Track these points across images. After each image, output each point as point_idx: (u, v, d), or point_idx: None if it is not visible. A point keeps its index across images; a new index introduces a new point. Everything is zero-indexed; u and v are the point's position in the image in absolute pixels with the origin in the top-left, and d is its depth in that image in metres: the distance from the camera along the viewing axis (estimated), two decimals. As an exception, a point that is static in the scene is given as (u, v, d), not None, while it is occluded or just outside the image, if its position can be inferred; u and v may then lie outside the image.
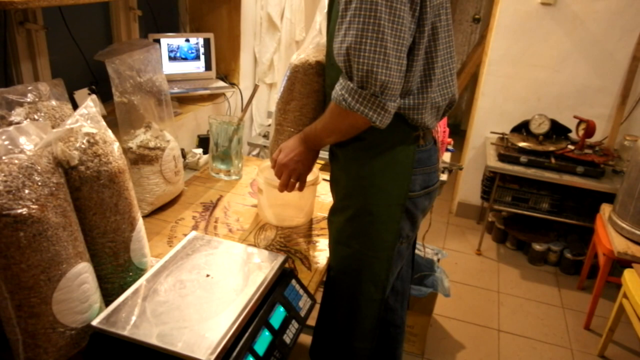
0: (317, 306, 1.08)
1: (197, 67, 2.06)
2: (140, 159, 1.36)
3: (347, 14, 0.96)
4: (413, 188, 1.18)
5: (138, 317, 0.85)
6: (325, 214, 1.49)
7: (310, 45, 1.31)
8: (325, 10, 1.19)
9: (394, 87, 0.99)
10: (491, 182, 2.83)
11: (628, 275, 2.07)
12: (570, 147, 2.73)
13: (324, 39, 1.28)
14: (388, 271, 1.24)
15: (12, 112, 0.91)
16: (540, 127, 2.78)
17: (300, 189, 1.26)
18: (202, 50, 2.04)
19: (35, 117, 0.92)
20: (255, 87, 1.67)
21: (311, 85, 1.25)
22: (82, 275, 0.85)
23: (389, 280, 1.26)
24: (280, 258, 1.06)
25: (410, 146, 1.16)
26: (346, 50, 0.96)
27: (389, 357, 1.59)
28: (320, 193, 1.63)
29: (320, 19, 1.29)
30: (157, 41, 1.87)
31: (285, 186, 1.22)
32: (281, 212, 1.42)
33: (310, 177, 1.32)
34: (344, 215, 1.22)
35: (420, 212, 1.25)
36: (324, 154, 1.38)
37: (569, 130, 2.82)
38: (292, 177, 1.22)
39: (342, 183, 1.23)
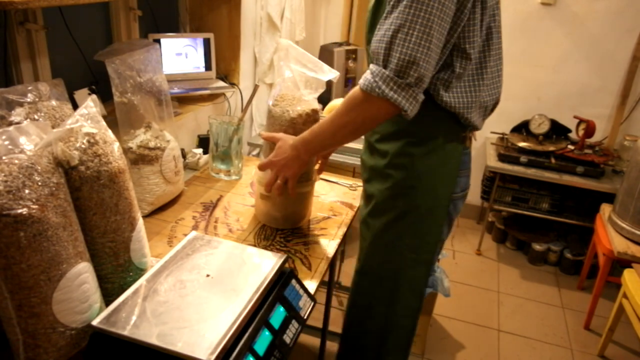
0: (319, 307, 1.07)
1: (197, 67, 2.06)
2: (140, 159, 1.36)
3: (400, 5, 0.96)
4: (455, 189, 1.18)
5: (138, 317, 0.85)
6: (326, 214, 1.49)
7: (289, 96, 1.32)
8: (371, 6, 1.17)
9: (426, 81, 1.00)
10: (491, 182, 2.83)
11: (628, 275, 2.07)
12: (570, 147, 2.73)
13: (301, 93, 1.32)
14: (427, 277, 1.23)
15: (12, 112, 0.91)
16: (540, 127, 2.78)
17: (291, 193, 1.25)
18: (202, 50, 2.04)
19: (35, 117, 0.92)
20: (255, 87, 1.67)
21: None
22: (82, 275, 0.85)
23: (426, 286, 1.24)
24: (280, 258, 1.06)
25: (459, 146, 1.16)
26: (390, 38, 0.97)
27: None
28: (320, 193, 1.63)
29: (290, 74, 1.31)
30: (157, 41, 1.87)
31: (270, 185, 1.22)
32: (271, 211, 1.38)
33: (305, 188, 1.33)
34: (387, 217, 1.19)
35: (456, 214, 1.25)
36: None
37: (569, 130, 2.82)
38: (279, 178, 1.21)
39: (387, 183, 1.20)
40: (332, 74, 1.29)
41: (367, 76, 1.01)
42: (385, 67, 0.99)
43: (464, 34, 1.06)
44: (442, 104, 1.10)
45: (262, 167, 1.25)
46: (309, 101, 1.31)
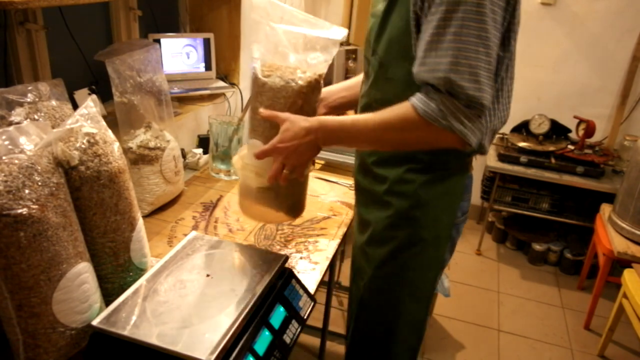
0: (319, 307, 1.07)
1: (197, 67, 2.06)
2: (140, 159, 1.36)
3: (452, 25, 0.86)
4: (457, 214, 1.12)
5: (138, 317, 0.85)
6: (326, 214, 1.49)
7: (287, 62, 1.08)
8: (379, 11, 1.03)
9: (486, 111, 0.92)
10: (491, 182, 2.83)
11: (628, 275, 2.07)
12: (570, 147, 2.73)
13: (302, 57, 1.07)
14: (427, 310, 1.18)
15: (12, 112, 0.91)
16: (540, 127, 2.78)
17: (300, 175, 1.06)
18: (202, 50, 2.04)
19: (35, 117, 0.92)
20: (255, 87, 1.67)
21: (311, 105, 1.10)
22: (82, 275, 0.85)
23: (426, 322, 1.20)
24: (280, 258, 1.06)
25: (465, 173, 1.10)
26: (454, 66, 0.85)
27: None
28: (320, 193, 1.63)
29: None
30: (157, 41, 1.87)
31: (276, 176, 1.02)
32: (273, 205, 1.17)
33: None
34: (388, 247, 1.12)
35: (459, 236, 1.18)
36: (324, 154, 1.35)
37: (569, 130, 2.82)
38: (286, 167, 1.01)
39: (387, 211, 1.11)
40: (338, 31, 1.06)
41: (430, 104, 0.89)
42: (453, 95, 0.87)
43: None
44: None
45: (263, 155, 1.02)
46: (315, 65, 1.07)
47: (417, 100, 0.91)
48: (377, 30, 1.02)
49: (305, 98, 1.06)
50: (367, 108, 1.08)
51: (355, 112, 1.20)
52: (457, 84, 0.85)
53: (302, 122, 0.99)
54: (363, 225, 1.19)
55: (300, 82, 1.04)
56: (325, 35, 1.05)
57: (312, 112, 1.09)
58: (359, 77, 1.25)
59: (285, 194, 1.13)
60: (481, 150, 1.04)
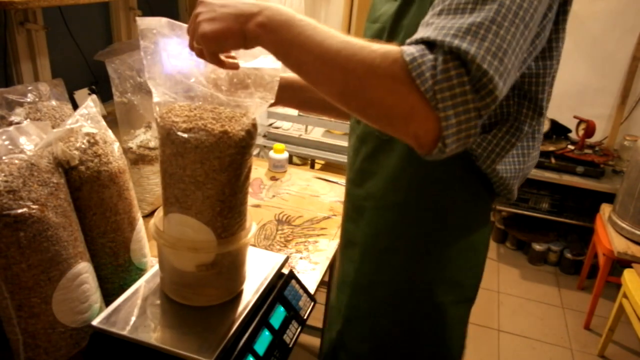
0: (319, 307, 1.07)
1: (197, 67, 2.06)
2: (140, 159, 1.36)
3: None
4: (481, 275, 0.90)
5: (138, 317, 0.85)
6: (326, 214, 1.49)
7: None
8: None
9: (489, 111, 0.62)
10: (491, 182, 2.83)
11: (628, 275, 2.07)
12: (570, 147, 2.73)
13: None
14: None
15: (12, 112, 0.91)
16: (540, 127, 2.78)
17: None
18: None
19: (35, 117, 0.92)
20: (255, 87, 1.66)
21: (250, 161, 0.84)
22: (82, 275, 0.85)
23: None
24: (280, 258, 1.06)
25: (488, 221, 0.87)
26: (476, 28, 0.57)
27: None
28: (320, 193, 1.63)
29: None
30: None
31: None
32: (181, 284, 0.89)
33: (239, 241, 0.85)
34: (386, 324, 0.90)
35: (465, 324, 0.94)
36: (324, 155, 1.31)
37: (569, 130, 2.82)
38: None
39: (389, 279, 0.88)
40: (272, 62, 0.78)
41: (427, 55, 0.58)
42: (464, 64, 0.57)
43: (537, 71, 0.74)
44: (486, 171, 0.78)
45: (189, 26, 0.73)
46: (248, 105, 0.79)
47: (412, 46, 0.59)
48: (386, 38, 0.79)
49: (246, 152, 0.80)
50: (365, 138, 0.87)
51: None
52: (469, 51, 0.56)
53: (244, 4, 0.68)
54: (351, 251, 0.96)
55: (240, 132, 0.77)
56: (259, 66, 0.78)
57: (248, 172, 0.83)
58: None
59: (230, 266, 0.88)
60: (507, 193, 0.82)
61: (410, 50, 0.58)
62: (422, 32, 0.60)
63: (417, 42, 0.60)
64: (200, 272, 0.85)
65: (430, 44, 0.59)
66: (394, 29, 0.77)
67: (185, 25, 0.77)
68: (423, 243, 0.84)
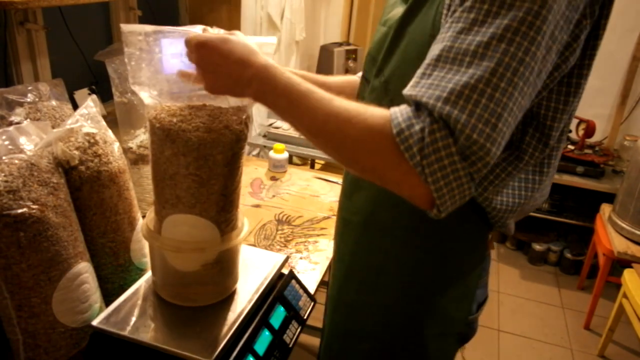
0: (319, 307, 1.07)
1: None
2: (140, 159, 1.36)
3: (481, 32, 0.57)
4: (472, 308, 0.84)
5: (138, 317, 0.85)
6: (326, 214, 1.49)
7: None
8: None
9: (485, 172, 0.61)
10: (491, 182, 2.83)
11: (628, 275, 2.07)
12: (570, 147, 2.73)
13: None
14: None
15: (12, 112, 0.91)
16: (540, 127, 2.78)
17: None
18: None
19: (35, 117, 0.92)
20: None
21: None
22: (82, 275, 0.85)
23: None
24: (281, 258, 1.06)
25: (482, 250, 0.81)
26: (466, 91, 0.56)
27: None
28: (320, 193, 1.63)
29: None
30: (157, 41, 1.87)
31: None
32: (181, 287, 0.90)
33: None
34: (365, 348, 0.86)
35: (475, 333, 0.90)
36: (324, 155, 1.33)
37: (569, 130, 2.82)
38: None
39: (371, 301, 0.84)
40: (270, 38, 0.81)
41: (415, 125, 0.57)
42: (452, 134, 0.56)
43: (551, 102, 0.69)
44: (478, 199, 0.74)
45: (192, 42, 0.71)
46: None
47: (399, 111, 0.60)
48: (389, 43, 0.74)
49: (244, 145, 0.83)
50: None
51: None
52: (460, 119, 0.55)
53: (257, 56, 0.68)
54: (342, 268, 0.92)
55: (239, 125, 0.80)
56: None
57: (238, 168, 0.84)
58: (341, 78, 0.97)
59: (230, 261, 0.90)
60: (501, 226, 0.78)
61: (397, 119, 0.59)
62: (414, 89, 0.59)
63: (408, 100, 0.60)
64: (205, 271, 0.86)
65: (420, 104, 0.58)
66: (398, 34, 0.74)
67: (172, 28, 0.79)
68: (408, 268, 0.80)
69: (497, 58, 0.55)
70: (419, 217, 0.67)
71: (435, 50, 0.60)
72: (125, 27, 0.75)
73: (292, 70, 0.74)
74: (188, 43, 0.71)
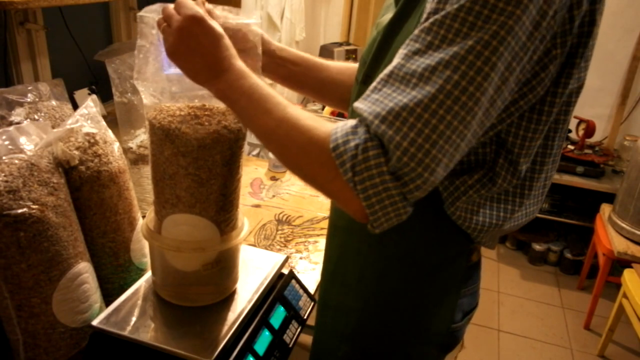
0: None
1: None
2: (140, 159, 1.36)
3: (443, 48, 0.56)
4: (456, 317, 0.82)
5: (138, 317, 0.85)
6: (325, 214, 1.49)
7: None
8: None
9: (427, 191, 0.60)
10: (491, 182, 2.83)
11: (628, 275, 2.07)
12: (570, 147, 2.73)
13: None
14: None
15: (12, 112, 0.91)
16: (540, 127, 2.78)
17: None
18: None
19: (35, 117, 0.92)
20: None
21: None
22: (82, 275, 0.85)
23: None
24: (281, 258, 1.06)
25: (462, 261, 0.79)
26: (405, 113, 0.56)
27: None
28: (320, 193, 1.62)
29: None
30: (157, 41, 1.87)
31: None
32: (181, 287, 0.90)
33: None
34: (346, 350, 0.86)
35: (460, 341, 0.90)
36: None
37: (569, 130, 2.82)
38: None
39: (350, 304, 0.83)
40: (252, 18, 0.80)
41: (350, 142, 0.59)
42: (386, 153, 0.58)
43: (521, 128, 0.66)
44: (452, 217, 0.73)
45: (187, 12, 0.67)
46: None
47: (340, 127, 0.61)
48: (375, 49, 0.72)
49: (242, 144, 0.83)
50: None
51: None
52: (392, 140, 0.56)
53: (233, 55, 0.69)
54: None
55: (237, 124, 0.80)
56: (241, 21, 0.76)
57: (238, 168, 0.85)
58: (336, 64, 0.94)
59: (230, 260, 0.90)
60: (478, 243, 0.78)
61: (336, 134, 0.60)
62: (362, 102, 0.60)
63: (354, 111, 0.61)
64: (206, 271, 0.86)
65: (362, 118, 0.59)
66: (385, 40, 0.71)
67: None
68: (383, 275, 0.80)
69: (439, 85, 0.55)
70: (397, 229, 0.66)
71: (390, 66, 0.60)
72: (142, 17, 0.75)
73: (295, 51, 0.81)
74: (179, 5, 0.68)
